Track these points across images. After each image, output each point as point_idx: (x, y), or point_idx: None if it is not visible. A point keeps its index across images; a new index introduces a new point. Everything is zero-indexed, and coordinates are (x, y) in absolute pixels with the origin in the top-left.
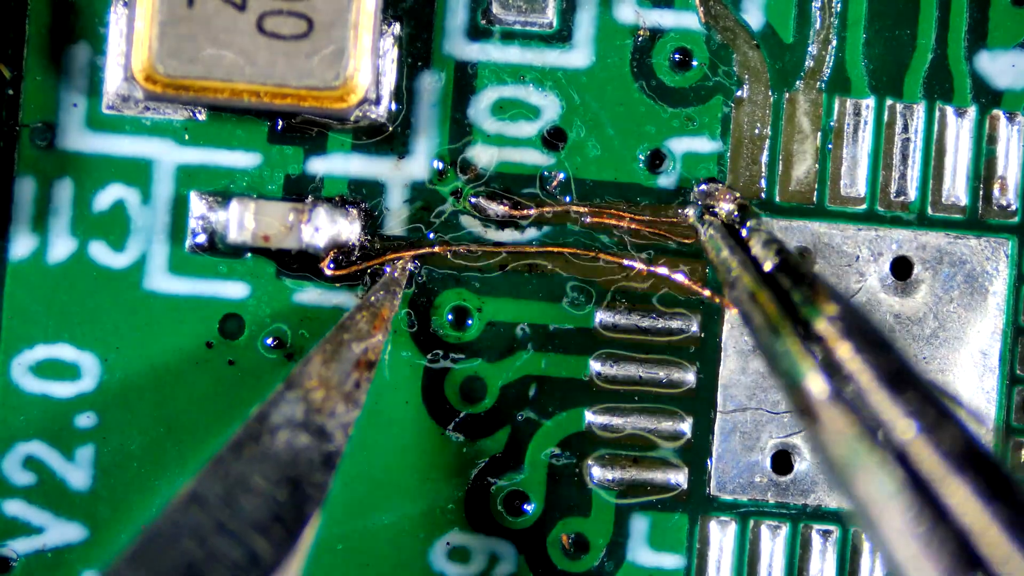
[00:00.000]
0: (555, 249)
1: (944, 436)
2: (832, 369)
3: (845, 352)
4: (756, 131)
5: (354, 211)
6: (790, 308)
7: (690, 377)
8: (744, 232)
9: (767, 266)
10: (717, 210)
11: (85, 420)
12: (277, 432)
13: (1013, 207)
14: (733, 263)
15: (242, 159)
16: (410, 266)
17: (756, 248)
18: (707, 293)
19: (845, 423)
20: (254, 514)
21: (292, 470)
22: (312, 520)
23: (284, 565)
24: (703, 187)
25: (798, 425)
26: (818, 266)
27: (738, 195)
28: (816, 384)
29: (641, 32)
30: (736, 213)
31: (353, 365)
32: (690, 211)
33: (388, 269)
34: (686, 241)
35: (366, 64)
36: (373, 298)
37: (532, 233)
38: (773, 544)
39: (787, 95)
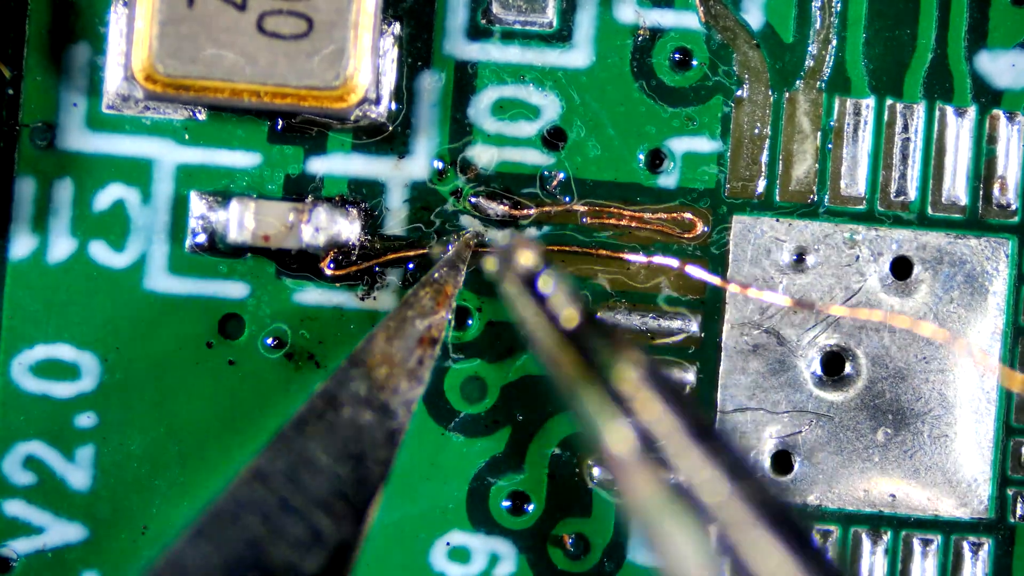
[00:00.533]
0: (556, 248)
1: (747, 490)
2: (637, 428)
3: (650, 411)
4: (756, 131)
5: (354, 211)
6: (593, 366)
7: (690, 377)
8: (543, 288)
9: (568, 322)
10: (514, 264)
11: (85, 420)
12: (341, 409)
13: (1013, 207)
14: (533, 319)
15: (242, 159)
16: (475, 242)
17: (556, 303)
18: (717, 280)
19: (652, 483)
20: (317, 491)
21: (355, 447)
22: (376, 496)
23: (348, 541)
24: (503, 243)
25: (611, 483)
26: (808, 277)
27: (537, 248)
28: (621, 443)
29: (641, 32)
30: (534, 266)
31: (416, 342)
32: (491, 263)
33: (451, 246)
34: (686, 237)
35: (366, 64)
36: (437, 274)
37: (532, 233)
38: None
39: (787, 95)
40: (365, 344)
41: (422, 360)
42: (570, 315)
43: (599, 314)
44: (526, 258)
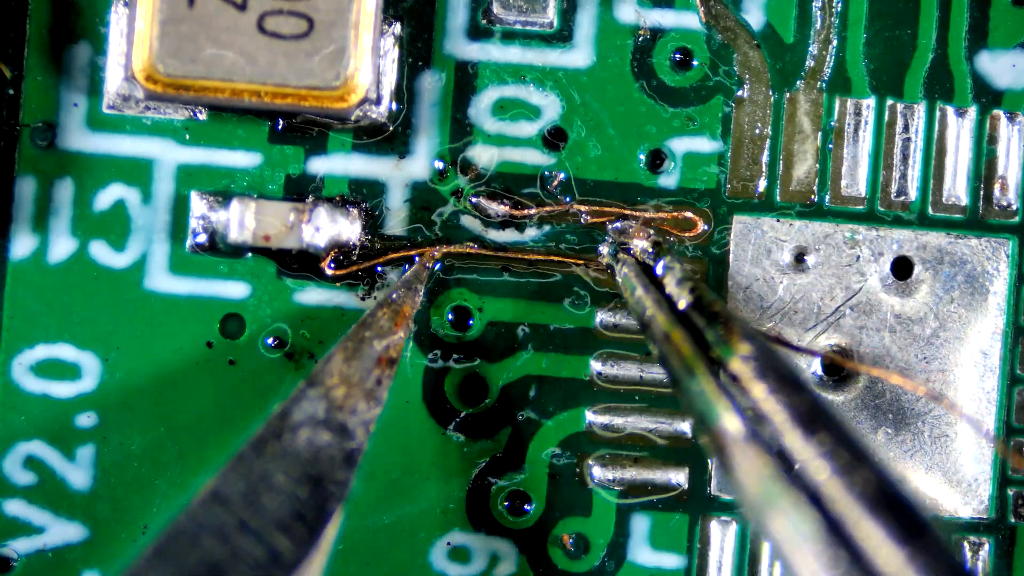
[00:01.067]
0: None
1: (858, 478)
2: (746, 409)
3: (759, 392)
4: (757, 131)
5: (355, 211)
6: (704, 347)
7: None
8: (659, 270)
9: (681, 304)
10: (631, 248)
11: (86, 420)
12: (299, 429)
13: (1014, 207)
14: (647, 302)
15: (243, 159)
16: (432, 263)
17: (670, 286)
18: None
19: (760, 463)
20: (276, 512)
21: (314, 468)
22: (334, 518)
23: (306, 563)
24: (617, 225)
25: (714, 463)
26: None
27: (652, 232)
28: (731, 423)
29: (642, 32)
30: (650, 251)
31: (375, 362)
32: (604, 250)
33: (407, 267)
34: (687, 236)
35: (367, 64)
36: (395, 295)
37: (533, 233)
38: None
39: (788, 95)
40: (323, 364)
41: (380, 380)
42: (684, 296)
43: (710, 296)
44: (641, 241)
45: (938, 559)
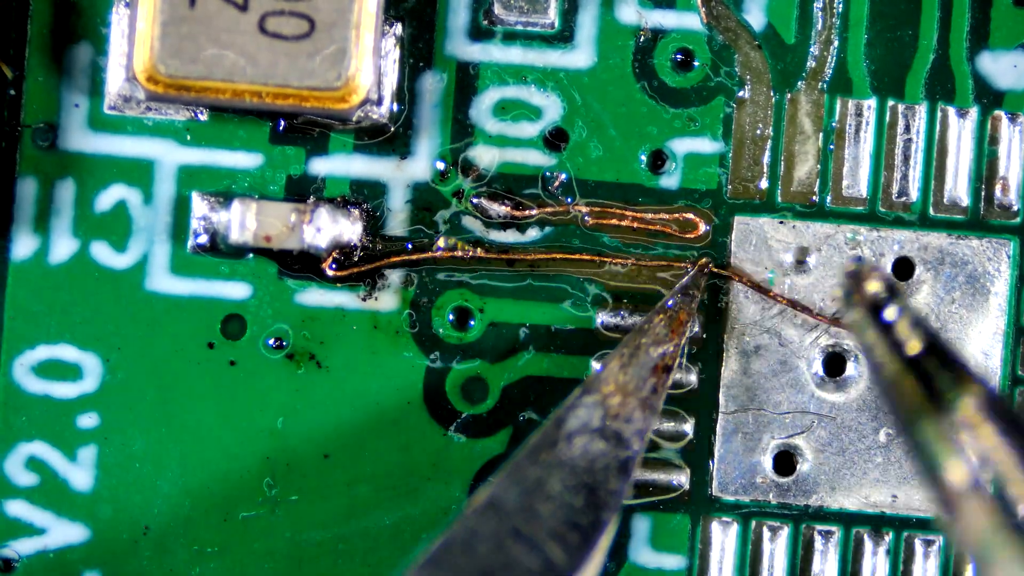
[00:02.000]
0: (559, 255)
1: None
2: (975, 455)
3: (988, 437)
4: (758, 132)
5: (356, 212)
6: (934, 392)
7: (692, 378)
8: (890, 315)
9: (913, 349)
10: (863, 291)
11: (87, 420)
12: (573, 438)
13: (1015, 208)
14: (879, 348)
15: (244, 159)
16: (707, 272)
17: (903, 330)
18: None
19: (985, 513)
20: (550, 520)
21: (588, 476)
22: (608, 528)
23: (579, 573)
24: (850, 269)
25: (937, 516)
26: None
27: (885, 275)
28: (958, 473)
29: (643, 32)
30: (883, 295)
31: (650, 370)
32: (838, 292)
33: (690, 272)
34: (688, 236)
35: (368, 64)
36: (671, 302)
37: (534, 234)
38: (775, 545)
39: (789, 96)
40: (599, 372)
41: (656, 389)
42: (914, 343)
43: (944, 342)
44: (873, 284)
45: None
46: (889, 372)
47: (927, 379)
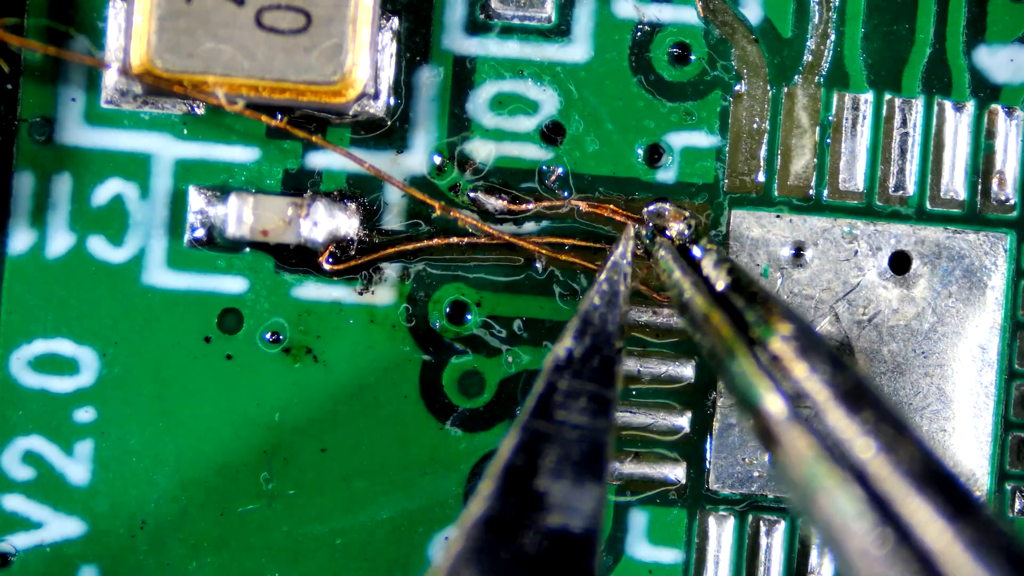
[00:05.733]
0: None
1: (903, 454)
2: (788, 389)
3: (801, 371)
4: (755, 126)
5: (353, 205)
6: (744, 328)
7: (689, 372)
8: (696, 252)
9: (719, 286)
10: (668, 231)
11: (84, 415)
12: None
13: (1012, 201)
14: (685, 284)
15: (241, 153)
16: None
17: (708, 268)
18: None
19: (804, 443)
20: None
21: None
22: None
23: None
24: (652, 208)
25: (757, 445)
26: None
27: (688, 214)
28: (774, 405)
29: (640, 25)
30: (687, 233)
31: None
32: (641, 231)
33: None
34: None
35: (364, 59)
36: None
37: (530, 228)
38: (772, 539)
39: (786, 90)
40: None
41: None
42: (721, 280)
43: (748, 277)
44: (678, 223)
45: (988, 534)
46: (698, 309)
47: (736, 315)
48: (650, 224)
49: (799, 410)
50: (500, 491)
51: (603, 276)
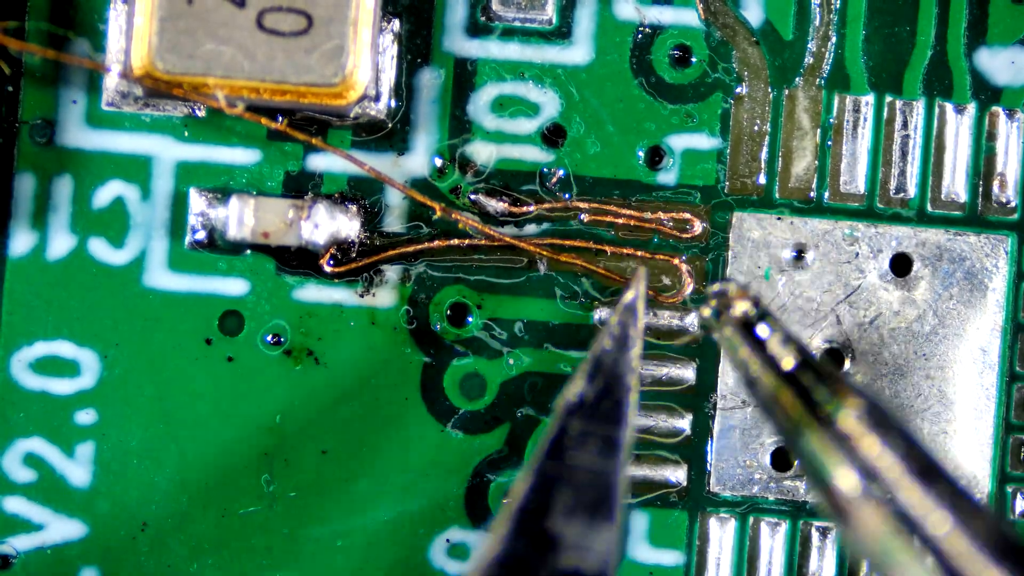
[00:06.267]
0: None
1: (978, 528)
2: (861, 465)
3: (872, 447)
4: (756, 128)
5: (354, 208)
6: (813, 406)
7: (690, 374)
8: (761, 332)
9: (787, 364)
10: (732, 310)
11: (85, 417)
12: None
13: (1012, 204)
14: (753, 364)
15: (242, 156)
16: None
17: (774, 347)
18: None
19: (879, 519)
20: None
21: None
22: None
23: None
24: (717, 289)
25: (831, 522)
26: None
27: (751, 294)
28: (847, 481)
29: (642, 28)
30: (751, 312)
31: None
32: (706, 311)
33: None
34: (684, 236)
35: (365, 60)
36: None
37: (531, 230)
38: (772, 541)
39: (787, 92)
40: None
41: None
42: (788, 359)
43: (806, 356)
44: (742, 303)
45: None
46: (766, 387)
47: (805, 393)
48: (714, 304)
49: (870, 485)
50: (514, 533)
51: (615, 319)
